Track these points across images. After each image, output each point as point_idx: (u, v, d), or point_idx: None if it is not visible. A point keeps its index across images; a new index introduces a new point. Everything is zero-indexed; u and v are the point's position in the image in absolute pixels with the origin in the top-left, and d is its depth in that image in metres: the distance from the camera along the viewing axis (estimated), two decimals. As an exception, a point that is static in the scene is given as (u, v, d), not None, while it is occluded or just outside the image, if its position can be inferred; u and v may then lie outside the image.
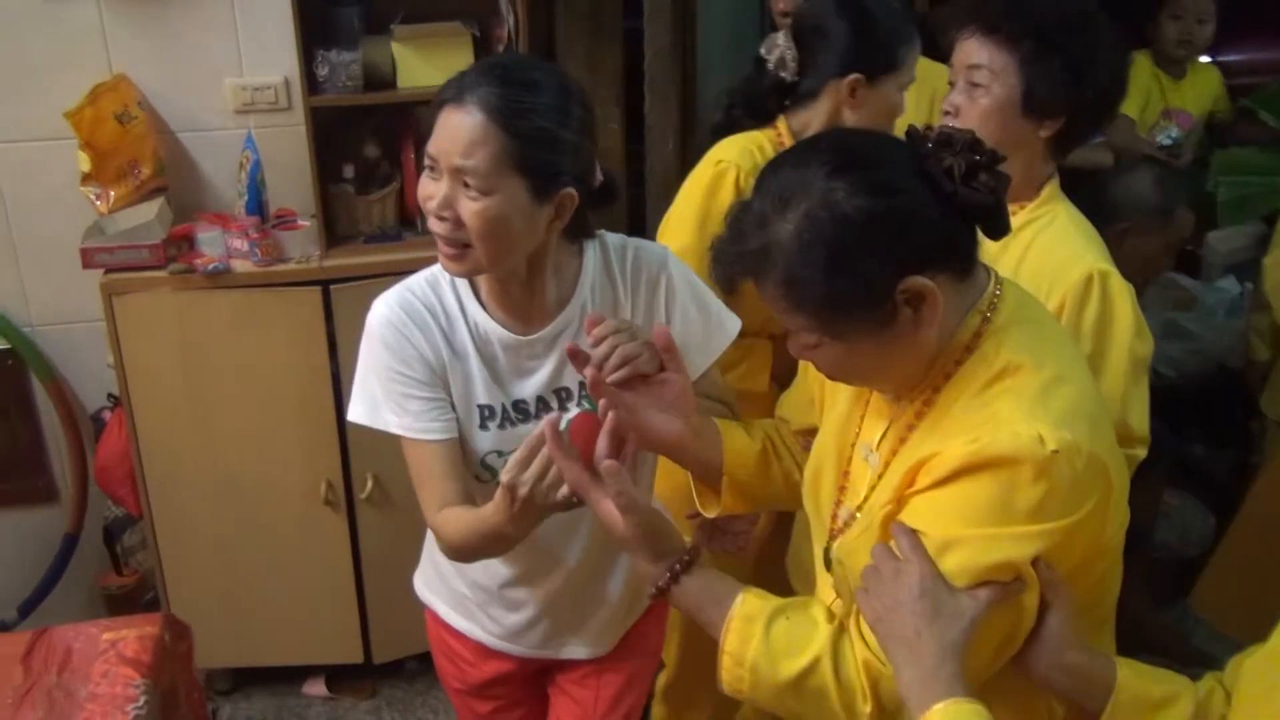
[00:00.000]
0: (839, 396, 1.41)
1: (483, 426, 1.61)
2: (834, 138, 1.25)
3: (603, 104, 2.47)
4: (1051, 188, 1.81)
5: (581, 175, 1.50)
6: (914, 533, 1.19)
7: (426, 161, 1.47)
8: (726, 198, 2.02)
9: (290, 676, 2.98)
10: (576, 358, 1.44)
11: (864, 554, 1.23)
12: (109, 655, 1.78)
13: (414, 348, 1.57)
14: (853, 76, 2.04)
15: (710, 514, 1.56)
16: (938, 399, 1.25)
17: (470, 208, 1.44)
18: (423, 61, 2.58)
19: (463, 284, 1.60)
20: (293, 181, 2.72)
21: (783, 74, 2.07)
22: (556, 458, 1.33)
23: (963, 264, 1.23)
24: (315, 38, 2.57)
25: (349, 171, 2.72)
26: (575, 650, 1.82)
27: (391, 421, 1.58)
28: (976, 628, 1.14)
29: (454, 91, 1.44)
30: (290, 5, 2.47)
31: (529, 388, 1.62)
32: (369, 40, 2.60)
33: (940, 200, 1.17)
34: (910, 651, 1.13)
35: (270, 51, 2.68)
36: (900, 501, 1.24)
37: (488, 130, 1.41)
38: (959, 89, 1.77)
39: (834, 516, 1.38)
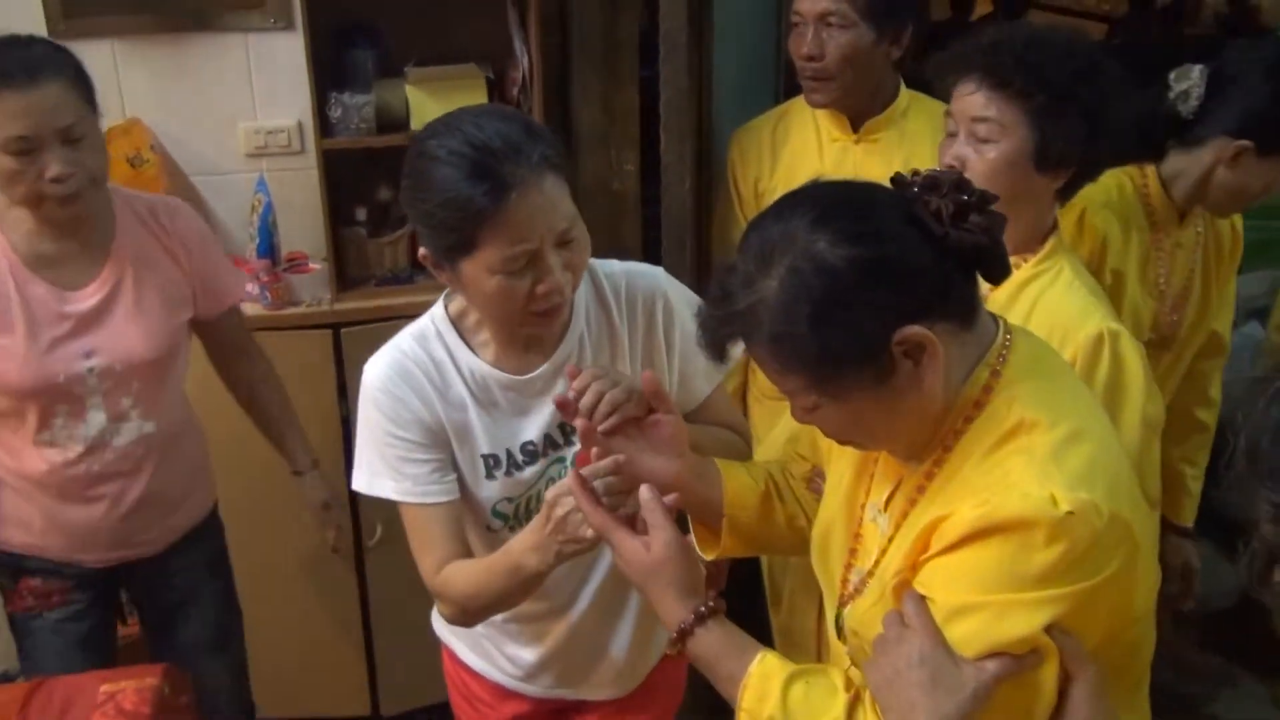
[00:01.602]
0: (846, 452, 1.36)
1: (489, 476, 1.59)
2: (815, 189, 1.20)
3: (618, 146, 2.45)
4: (1055, 240, 1.76)
5: None
6: (920, 599, 1.14)
7: (513, 262, 1.40)
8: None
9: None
10: (566, 408, 1.41)
11: (877, 624, 1.18)
12: (107, 708, 1.72)
13: (409, 410, 1.53)
14: (1244, 141, 1.95)
15: (709, 556, 1.52)
16: (948, 459, 1.19)
17: (574, 259, 1.45)
18: (436, 103, 2.56)
19: (451, 333, 1.57)
20: (305, 224, 2.71)
21: (1180, 108, 1.99)
22: (581, 502, 1.34)
23: (963, 311, 1.17)
24: (328, 80, 2.56)
25: (361, 214, 2.71)
26: (593, 691, 1.78)
27: (389, 487, 1.56)
28: (980, 701, 1.07)
29: (511, 179, 1.37)
30: (304, 48, 2.47)
31: (534, 428, 1.58)
32: (382, 83, 2.59)
33: (932, 245, 1.12)
34: None
35: (283, 95, 2.68)
36: (915, 568, 1.18)
37: (564, 187, 1.42)
38: (963, 141, 1.70)
39: (844, 580, 1.33)
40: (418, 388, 1.54)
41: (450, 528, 1.55)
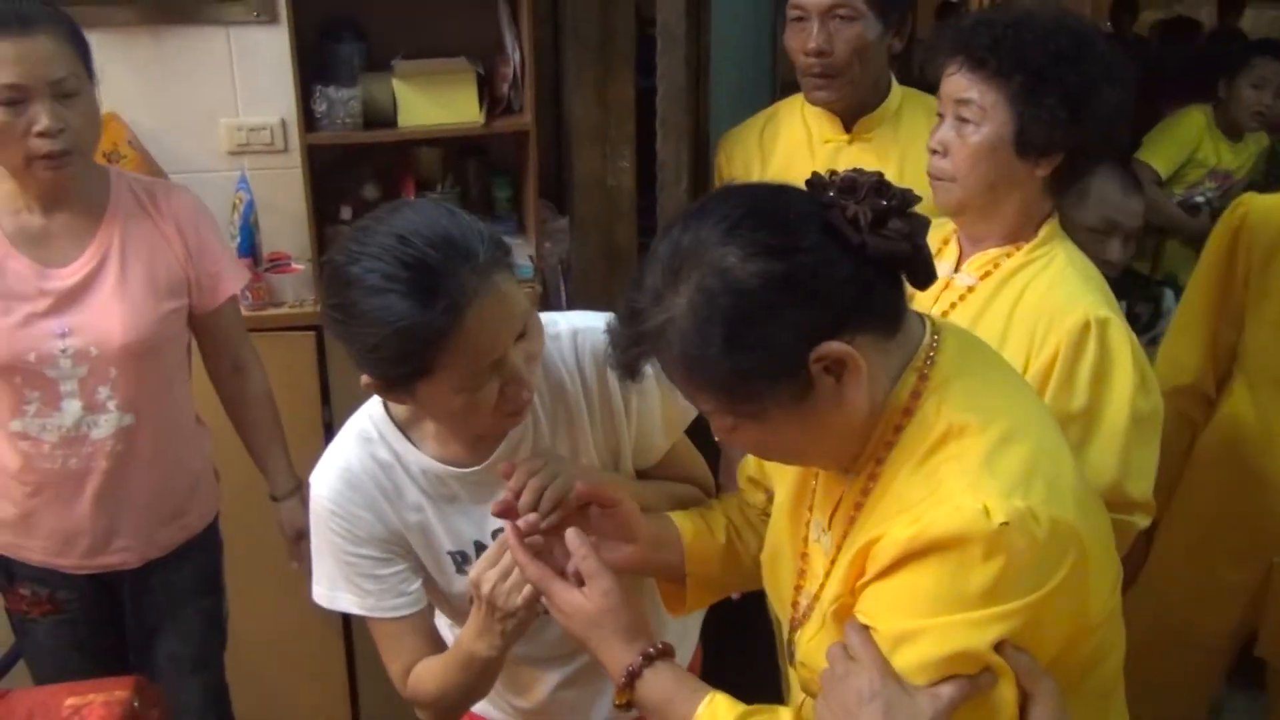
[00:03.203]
0: (788, 468, 1.30)
1: (459, 571, 1.49)
2: (728, 194, 1.12)
3: (614, 142, 2.39)
4: (1050, 227, 1.68)
5: None
6: (864, 629, 1.07)
7: (478, 378, 1.28)
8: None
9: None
10: (507, 513, 1.32)
11: (822, 654, 1.12)
12: (72, 723, 1.62)
13: (363, 527, 1.44)
14: None
15: (676, 615, 1.48)
16: (881, 472, 1.12)
17: (532, 352, 1.35)
18: (425, 99, 2.50)
19: (393, 432, 1.44)
20: (288, 224, 2.63)
21: None
22: (517, 555, 1.28)
23: (886, 321, 1.10)
24: (314, 75, 2.49)
25: (346, 213, 2.63)
26: None
27: (352, 603, 1.47)
28: None
29: (463, 295, 1.22)
30: (288, 42, 2.40)
31: None
32: (369, 77, 2.52)
33: (851, 253, 1.04)
34: None
35: (266, 90, 2.60)
36: (854, 593, 1.11)
37: (512, 279, 1.29)
38: (947, 125, 1.64)
39: (794, 603, 1.26)
40: (369, 501, 1.43)
41: (418, 636, 1.48)
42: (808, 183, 1.10)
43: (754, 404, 1.07)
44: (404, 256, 1.22)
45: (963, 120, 1.62)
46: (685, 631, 1.71)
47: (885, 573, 1.06)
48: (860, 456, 1.14)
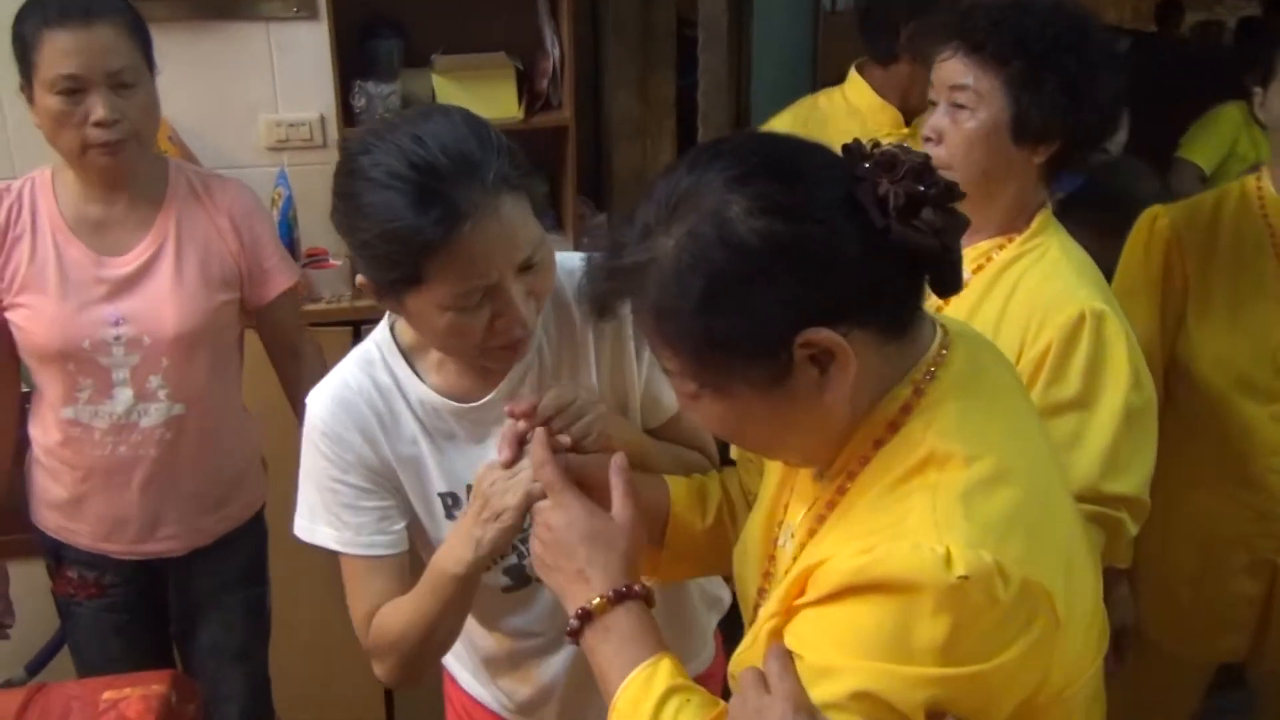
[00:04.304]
0: (775, 463, 1.19)
1: (449, 516, 1.41)
2: (749, 138, 1.02)
3: (654, 137, 2.37)
4: (1043, 217, 1.63)
5: None
6: (786, 656, 0.96)
7: (467, 298, 1.21)
8: None
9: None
10: (524, 416, 1.23)
11: None
12: (109, 717, 1.62)
13: (352, 451, 1.36)
14: None
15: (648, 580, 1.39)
16: (850, 487, 1.01)
17: (540, 280, 1.26)
18: (464, 94, 2.49)
19: (397, 359, 1.38)
20: (326, 219, 2.56)
21: None
22: (536, 451, 1.19)
23: (893, 321, 0.98)
24: (353, 71, 2.49)
25: (385, 209, 2.61)
26: None
27: (328, 536, 1.38)
28: None
29: (464, 207, 1.17)
30: (328, 37, 2.40)
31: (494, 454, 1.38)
32: (408, 73, 2.52)
33: (868, 236, 0.93)
34: None
35: (306, 86, 2.60)
36: (789, 613, 0.99)
37: (524, 205, 1.23)
38: (941, 111, 1.59)
39: (756, 607, 1.15)
40: (362, 424, 1.36)
41: (391, 583, 1.37)
42: (844, 148, 0.98)
43: (721, 376, 0.96)
44: (414, 157, 1.17)
45: (958, 106, 1.57)
46: (705, 638, 1.66)
47: (824, 600, 0.94)
48: (833, 464, 1.02)
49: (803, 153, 0.99)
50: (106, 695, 1.65)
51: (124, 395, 1.93)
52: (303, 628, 2.62)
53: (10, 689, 2.03)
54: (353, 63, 2.49)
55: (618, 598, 1.10)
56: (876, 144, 0.98)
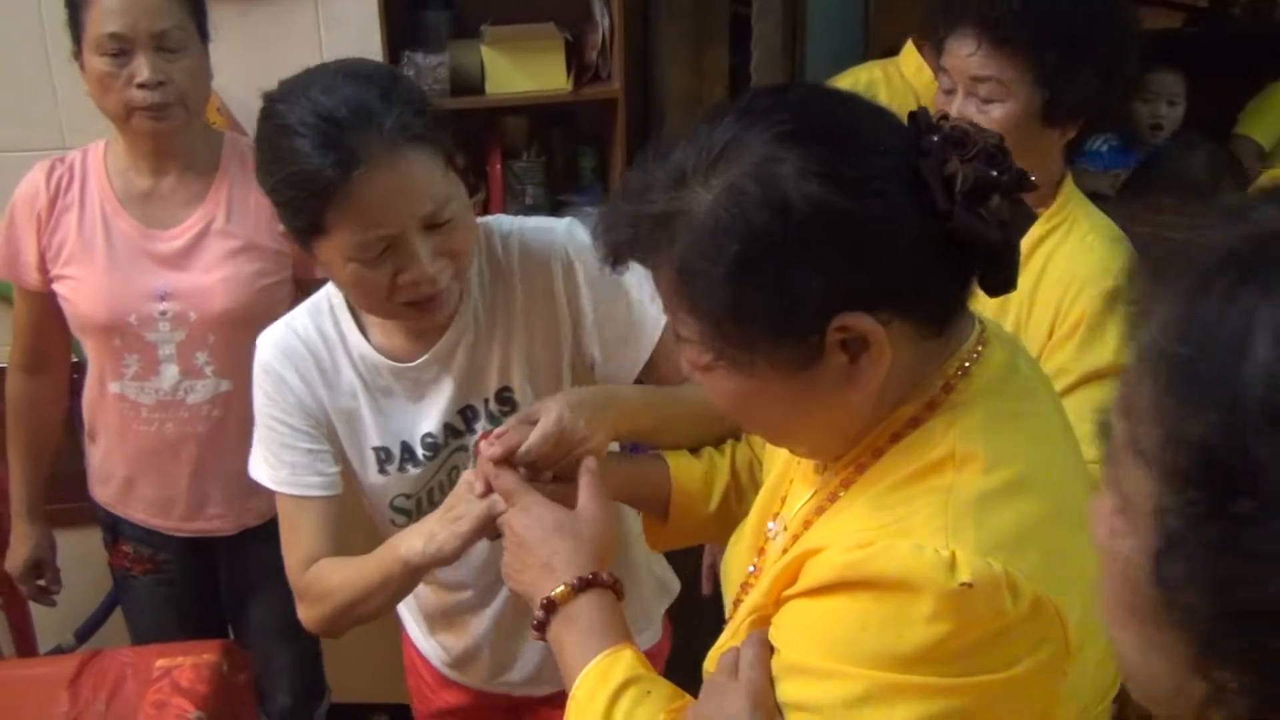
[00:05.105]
0: (778, 450, 1.12)
1: (381, 471, 1.45)
2: (812, 90, 0.93)
3: (707, 108, 2.33)
4: (1067, 190, 1.58)
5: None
6: (763, 645, 0.90)
7: (379, 244, 1.25)
8: None
9: (350, 715, 2.82)
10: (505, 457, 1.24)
11: None
12: (162, 684, 1.63)
13: (293, 393, 1.41)
14: None
15: (654, 549, 1.39)
16: (858, 480, 0.93)
17: (455, 240, 1.29)
18: (513, 66, 2.46)
19: (344, 310, 1.42)
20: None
21: None
22: (484, 467, 1.21)
23: (936, 314, 0.90)
24: (402, 41, 2.47)
25: (432, 182, 2.60)
26: (535, 687, 1.63)
27: (264, 474, 1.43)
28: None
29: (358, 154, 1.20)
30: (377, 9, 2.38)
31: (432, 416, 1.43)
32: (457, 44, 2.49)
33: (927, 219, 0.85)
34: None
35: (354, 56, 2.57)
36: (778, 603, 0.92)
37: (429, 158, 1.25)
38: (961, 99, 1.52)
39: (736, 602, 1.08)
40: (303, 370, 1.41)
41: (324, 526, 1.41)
42: (911, 116, 0.90)
43: (743, 351, 0.88)
44: (319, 106, 1.22)
45: (981, 98, 1.50)
46: (651, 617, 1.68)
47: (812, 592, 0.87)
48: (843, 457, 0.95)
49: (867, 115, 0.91)
50: (159, 663, 1.67)
51: (170, 371, 1.93)
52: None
53: (65, 655, 2.06)
54: (401, 34, 2.47)
55: (582, 585, 1.07)
56: (945, 116, 0.91)
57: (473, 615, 1.58)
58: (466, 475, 1.29)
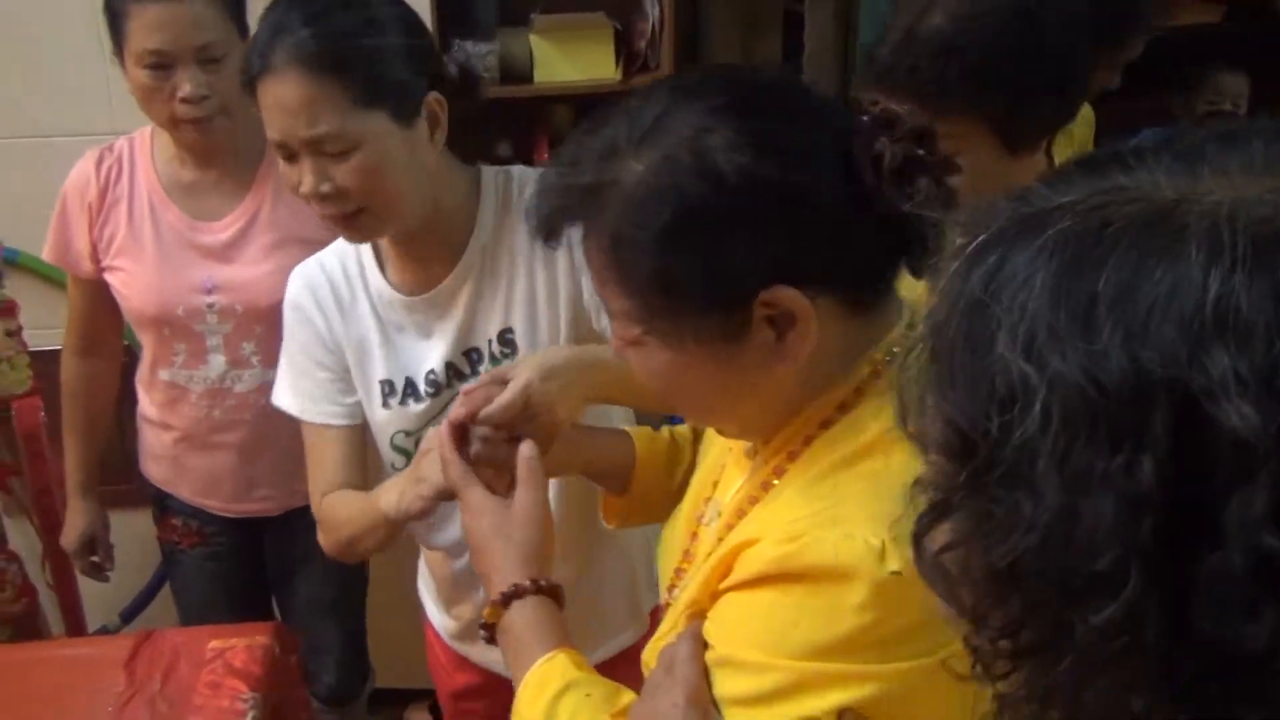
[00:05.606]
0: (714, 435, 1.11)
1: (384, 404, 1.50)
2: (741, 69, 0.94)
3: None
4: None
5: (432, 73, 1.39)
6: (698, 641, 0.90)
7: (278, 150, 1.37)
8: None
9: (393, 700, 2.84)
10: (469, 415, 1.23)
11: None
12: (216, 665, 1.65)
13: (313, 326, 1.50)
14: None
15: (611, 525, 1.35)
16: (790, 469, 0.92)
17: (345, 170, 1.33)
18: (562, 55, 2.46)
19: (367, 253, 1.50)
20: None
21: None
22: (443, 452, 1.18)
23: (862, 292, 0.90)
24: (451, 29, 2.46)
25: (479, 170, 2.60)
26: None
27: (289, 402, 1.53)
28: None
29: (258, 63, 1.33)
30: (428, -5, 2.38)
31: (437, 353, 1.48)
32: (506, 31, 2.49)
33: (855, 197, 0.85)
34: None
35: None
36: (714, 596, 0.92)
37: (315, 85, 1.30)
38: None
39: (672, 588, 1.08)
40: (323, 302, 1.50)
41: (342, 455, 1.49)
42: (845, 98, 0.94)
43: (671, 321, 0.88)
44: (270, 16, 1.37)
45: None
46: (636, 614, 1.68)
47: (746, 585, 0.87)
48: (773, 441, 0.94)
49: (801, 94, 0.92)
50: (213, 644, 1.68)
51: (217, 361, 1.95)
52: (399, 584, 2.63)
53: (119, 635, 2.08)
54: (451, 21, 2.47)
55: (504, 600, 1.07)
56: (877, 101, 0.92)
57: (477, 583, 1.56)
58: (430, 436, 1.30)
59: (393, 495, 1.32)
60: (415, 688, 2.82)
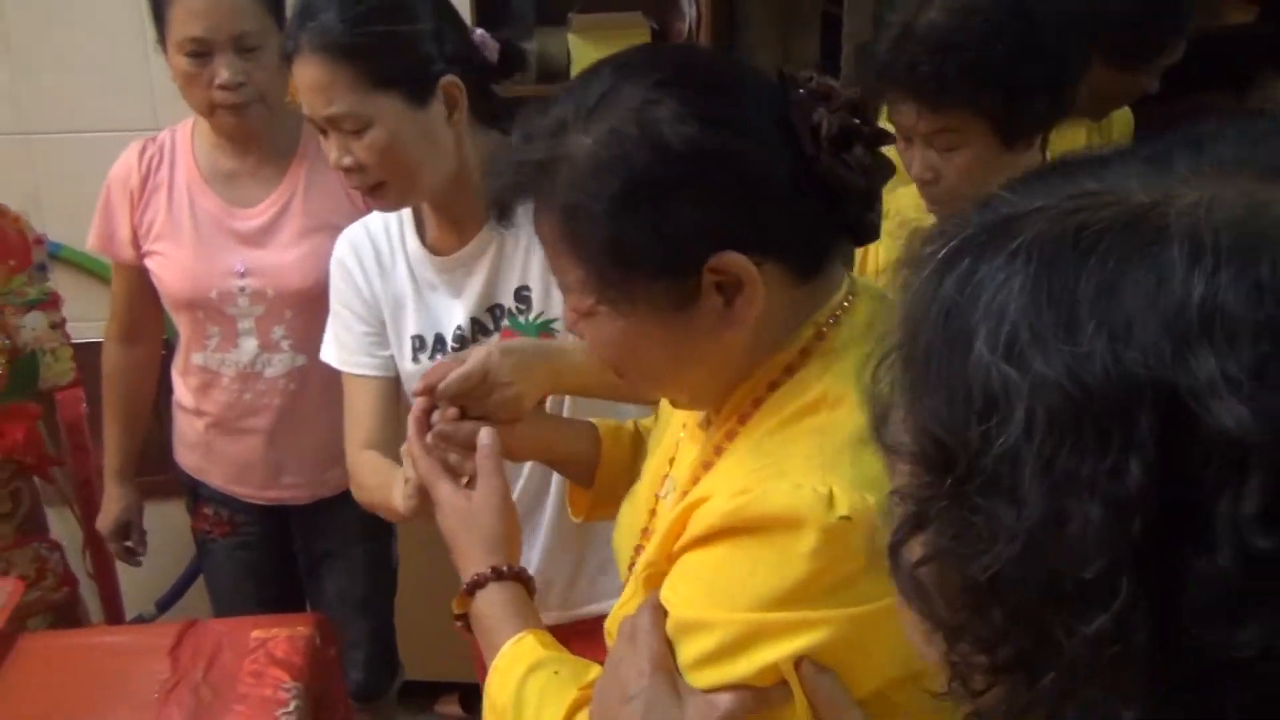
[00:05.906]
0: (669, 412, 1.14)
1: (414, 360, 1.59)
2: (683, 48, 0.98)
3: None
4: None
5: (455, 56, 1.48)
6: (658, 610, 0.91)
7: (314, 124, 1.50)
8: None
9: (423, 693, 2.86)
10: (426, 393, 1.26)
11: None
12: (258, 655, 1.67)
13: (353, 281, 1.61)
14: None
15: (577, 518, 1.36)
16: (741, 431, 0.96)
17: (361, 146, 1.44)
18: (599, 54, 2.37)
19: (408, 215, 1.60)
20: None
21: None
22: (412, 448, 1.21)
23: (805, 259, 0.93)
24: (488, 27, 2.47)
25: (514, 168, 2.63)
26: (563, 612, 1.67)
27: (330, 353, 1.64)
28: None
29: (290, 44, 1.45)
30: (466, -6, 2.39)
31: (463, 310, 1.57)
32: (543, 30, 2.50)
33: (796, 164, 0.89)
34: None
35: None
36: (670, 558, 0.94)
37: (331, 69, 1.41)
38: (922, 149, 1.49)
39: (631, 565, 1.09)
40: (365, 261, 1.61)
41: (375, 405, 1.58)
42: (780, 72, 0.95)
43: (623, 290, 0.91)
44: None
45: (940, 149, 1.48)
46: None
47: (699, 542, 0.90)
48: (724, 408, 0.97)
49: (740, 69, 0.98)
50: (255, 634, 1.71)
51: (249, 345, 1.98)
52: (427, 576, 2.65)
53: (163, 623, 2.11)
54: (489, 20, 2.48)
55: (470, 590, 1.10)
56: (811, 76, 0.94)
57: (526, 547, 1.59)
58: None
59: (398, 491, 1.34)
60: (445, 680, 2.85)
